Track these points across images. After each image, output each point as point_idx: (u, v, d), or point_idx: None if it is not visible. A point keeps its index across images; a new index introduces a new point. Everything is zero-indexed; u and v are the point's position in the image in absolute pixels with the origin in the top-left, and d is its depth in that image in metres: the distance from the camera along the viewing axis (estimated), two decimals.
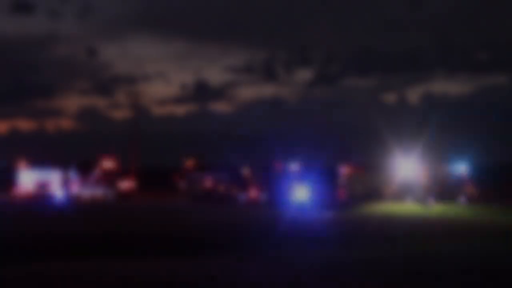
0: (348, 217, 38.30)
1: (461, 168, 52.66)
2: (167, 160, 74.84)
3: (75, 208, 46.23)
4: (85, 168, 59.22)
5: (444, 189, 50.40)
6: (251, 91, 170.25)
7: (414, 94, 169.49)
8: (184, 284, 14.68)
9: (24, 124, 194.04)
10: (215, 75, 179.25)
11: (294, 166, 54.96)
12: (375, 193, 51.55)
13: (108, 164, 59.70)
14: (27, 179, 59.74)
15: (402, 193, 50.81)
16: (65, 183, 59.26)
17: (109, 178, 58.55)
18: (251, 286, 14.56)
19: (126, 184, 60.09)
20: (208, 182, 55.76)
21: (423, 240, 25.82)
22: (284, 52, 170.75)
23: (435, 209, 44.23)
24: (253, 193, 52.93)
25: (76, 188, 58.44)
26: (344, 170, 53.61)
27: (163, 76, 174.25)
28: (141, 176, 64.28)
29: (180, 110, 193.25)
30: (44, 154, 72.27)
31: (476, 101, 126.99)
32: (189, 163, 62.34)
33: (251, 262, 18.95)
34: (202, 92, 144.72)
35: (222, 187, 54.75)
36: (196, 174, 58.34)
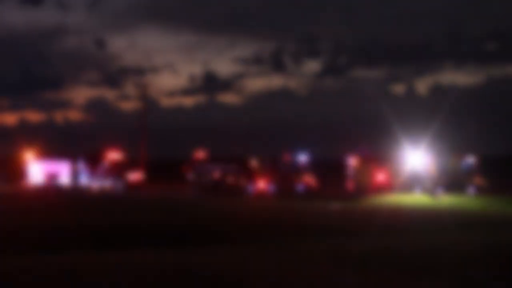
0: (357, 208, 38.28)
1: (470, 159, 52.51)
2: (176, 152, 75.00)
3: (84, 199, 46.38)
4: (94, 160, 59.42)
5: (452, 180, 50.28)
6: (259, 83, 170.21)
7: (423, 85, 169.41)
8: (192, 274, 14.73)
9: (33, 116, 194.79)
10: (223, 67, 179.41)
11: (302, 157, 54.98)
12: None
13: (116, 155, 59.88)
14: (36, 171, 60.01)
15: (411, 184, 50.72)
16: (74, 174, 59.49)
17: (118, 170, 58.74)
18: (259, 275, 14.60)
19: (134, 176, 60.27)
20: (216, 173, 55.82)
21: (431, 231, 25.79)
22: (292, 43, 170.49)
23: (444, 200, 44.14)
24: (261, 184, 52.97)
25: (85, 179, 58.65)
26: (352, 162, 53.55)
27: (172, 67, 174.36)
28: (149, 167, 64.41)
29: (189, 101, 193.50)
30: (53, 145, 72.52)
31: (485, 91, 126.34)
32: (198, 154, 62.40)
33: (259, 252, 18.99)
34: (210, 83, 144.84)
35: (231, 178, 54.80)
36: (205, 165, 58.40)
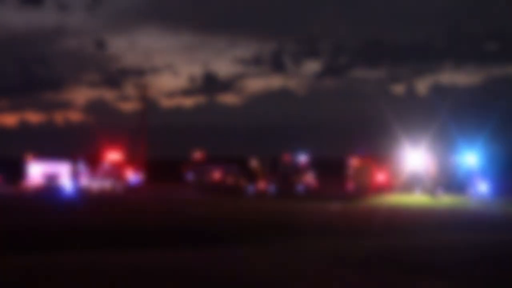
0: (357, 208, 38.25)
1: (470, 159, 52.45)
2: (176, 152, 74.99)
3: (84, 200, 46.34)
4: (93, 160, 59.34)
5: (452, 181, 50.25)
6: (259, 83, 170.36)
7: (422, 85, 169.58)
8: (190, 274, 14.70)
9: (33, 117, 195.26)
10: (223, 67, 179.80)
11: (302, 158, 54.94)
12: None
13: (116, 156, 59.80)
14: (36, 172, 59.93)
15: (411, 184, 50.68)
16: (74, 175, 59.42)
17: (117, 170, 58.66)
18: (258, 276, 14.56)
19: (134, 176, 60.18)
20: (216, 174, 55.79)
21: (431, 232, 25.76)
22: (292, 43, 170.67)
23: (444, 200, 44.12)
24: (261, 184, 52.93)
25: (85, 180, 58.58)
26: (352, 162, 53.52)
27: (172, 68, 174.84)
28: (149, 168, 64.36)
29: (188, 102, 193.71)
30: (52, 146, 72.56)
31: (485, 91, 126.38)
32: (198, 155, 62.35)
33: (261, 252, 18.97)
34: (210, 84, 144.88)
35: (231, 178, 54.78)
36: (205, 166, 58.36)
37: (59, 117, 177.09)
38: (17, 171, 60.30)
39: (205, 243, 21.94)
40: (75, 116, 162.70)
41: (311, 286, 13.59)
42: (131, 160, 62.04)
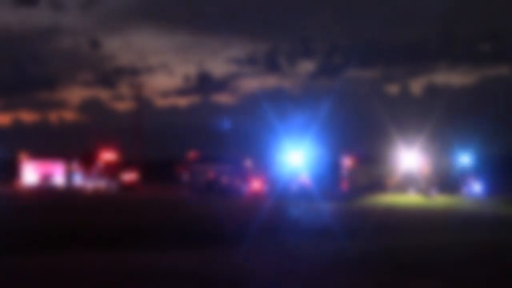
0: (351, 209, 38.30)
1: (464, 159, 52.58)
2: (170, 152, 74.92)
3: (78, 199, 46.27)
4: (88, 160, 59.28)
5: (447, 181, 50.37)
6: (254, 83, 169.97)
7: (417, 85, 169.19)
8: (185, 275, 14.71)
9: (27, 116, 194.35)
10: (218, 67, 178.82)
11: (297, 158, 54.93)
12: (378, 185, 51.55)
13: (111, 155, 59.74)
14: (30, 171, 59.86)
15: (405, 184, 50.78)
16: (68, 174, 59.35)
17: (112, 170, 58.60)
18: (255, 278, 14.59)
19: (129, 176, 60.10)
20: (211, 173, 55.77)
21: (425, 232, 25.83)
22: (287, 43, 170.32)
23: (438, 200, 44.22)
24: (256, 184, 52.92)
25: (79, 179, 58.52)
26: (347, 162, 53.58)
27: (166, 68, 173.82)
28: (144, 167, 64.30)
29: (183, 102, 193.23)
30: (47, 146, 72.41)
31: (479, 92, 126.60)
32: (192, 154, 62.26)
33: (255, 254, 18.98)
34: (205, 84, 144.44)
35: (225, 178, 54.75)
36: (199, 165, 58.30)
37: (53, 117, 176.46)
38: (12, 171, 60.23)
39: (201, 243, 21.93)
40: (69, 116, 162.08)
41: (307, 287, 13.63)
42: (126, 159, 61.98)
